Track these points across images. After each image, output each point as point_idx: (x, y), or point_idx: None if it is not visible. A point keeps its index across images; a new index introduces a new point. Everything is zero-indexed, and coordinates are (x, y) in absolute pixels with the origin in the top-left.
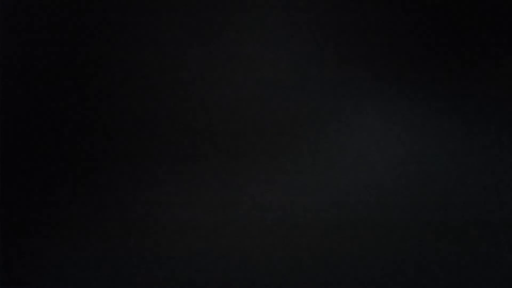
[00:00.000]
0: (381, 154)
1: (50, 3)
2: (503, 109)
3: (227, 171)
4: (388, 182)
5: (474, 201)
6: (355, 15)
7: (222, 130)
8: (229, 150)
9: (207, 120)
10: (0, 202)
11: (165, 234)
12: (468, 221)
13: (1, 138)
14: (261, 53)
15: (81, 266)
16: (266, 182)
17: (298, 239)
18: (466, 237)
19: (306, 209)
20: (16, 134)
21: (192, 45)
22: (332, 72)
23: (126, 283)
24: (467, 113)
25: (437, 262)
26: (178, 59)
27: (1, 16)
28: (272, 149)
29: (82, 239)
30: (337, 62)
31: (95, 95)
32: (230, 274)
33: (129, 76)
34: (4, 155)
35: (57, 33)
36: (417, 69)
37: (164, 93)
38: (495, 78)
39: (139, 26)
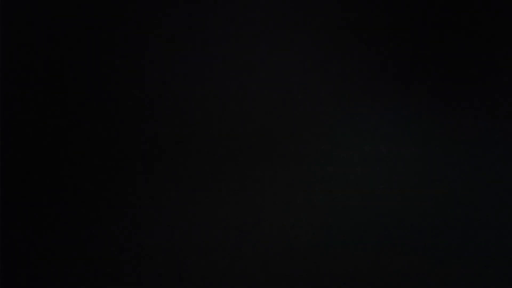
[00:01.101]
0: (383, 156)
1: (51, 2)
2: (505, 110)
3: (227, 173)
4: (391, 185)
5: (478, 204)
6: (358, 16)
7: (221, 132)
8: (227, 152)
9: (206, 121)
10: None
11: (165, 234)
12: (471, 223)
13: (1, 138)
14: (261, 54)
15: (81, 267)
16: (265, 184)
17: (298, 241)
18: (470, 239)
19: (306, 210)
20: (16, 134)
21: (191, 45)
22: (333, 73)
23: (126, 284)
24: (472, 116)
25: (439, 264)
26: (179, 59)
27: (1, 16)
28: (271, 150)
29: (82, 240)
30: (338, 63)
31: (95, 95)
32: (229, 275)
33: (130, 76)
34: (4, 155)
35: (58, 32)
36: (421, 71)
37: (165, 94)
38: (498, 78)
39: (141, 26)
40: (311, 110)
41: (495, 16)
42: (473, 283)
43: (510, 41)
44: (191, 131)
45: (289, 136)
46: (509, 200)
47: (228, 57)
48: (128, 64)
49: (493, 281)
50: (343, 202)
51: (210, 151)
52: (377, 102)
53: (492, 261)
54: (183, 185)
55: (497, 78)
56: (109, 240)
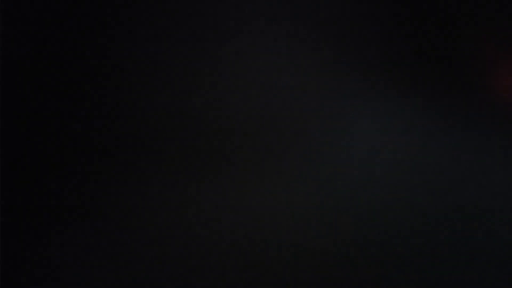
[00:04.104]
0: (380, 157)
1: (51, 2)
2: (502, 111)
3: (224, 172)
4: (388, 185)
5: (474, 203)
6: (356, 17)
7: (217, 131)
8: (224, 152)
9: (204, 120)
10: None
11: (164, 234)
12: (468, 223)
13: (1, 138)
14: (258, 53)
15: (80, 267)
16: (262, 184)
17: (295, 240)
18: (467, 239)
19: (303, 210)
20: (16, 134)
21: (189, 44)
22: (330, 73)
23: (125, 284)
24: (468, 117)
25: (437, 264)
26: (178, 59)
27: (1, 16)
28: (268, 150)
29: (81, 240)
30: (336, 63)
31: (95, 95)
32: (226, 275)
33: (130, 76)
34: (4, 155)
35: (58, 32)
36: (418, 71)
37: (165, 94)
38: (494, 80)
39: (141, 26)
40: (310, 110)
41: (497, 17)
42: (472, 283)
43: (510, 42)
44: (190, 129)
45: (287, 135)
46: (509, 200)
47: (227, 55)
48: (128, 63)
49: (493, 282)
50: (342, 202)
51: (209, 150)
52: (377, 101)
53: (491, 262)
54: (180, 184)
55: (496, 77)
56: (108, 240)
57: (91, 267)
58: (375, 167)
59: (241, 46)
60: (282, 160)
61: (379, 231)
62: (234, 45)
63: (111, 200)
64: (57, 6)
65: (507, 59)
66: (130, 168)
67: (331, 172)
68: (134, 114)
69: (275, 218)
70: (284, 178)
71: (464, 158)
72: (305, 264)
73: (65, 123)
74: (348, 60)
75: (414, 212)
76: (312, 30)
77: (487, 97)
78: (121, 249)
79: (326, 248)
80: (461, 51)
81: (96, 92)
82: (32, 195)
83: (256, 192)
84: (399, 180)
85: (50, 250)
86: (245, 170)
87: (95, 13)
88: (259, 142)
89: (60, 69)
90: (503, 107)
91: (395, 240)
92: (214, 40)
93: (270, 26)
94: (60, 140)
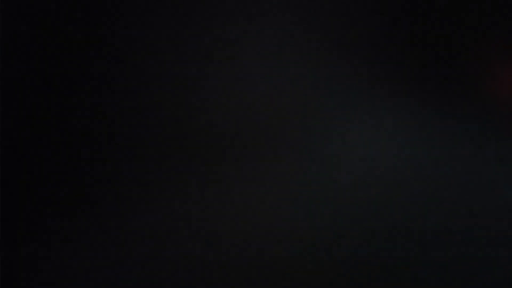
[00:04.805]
0: (380, 157)
1: (51, 2)
2: (502, 112)
3: (221, 172)
4: (386, 185)
5: (472, 205)
6: (355, 17)
7: (215, 131)
8: (222, 151)
9: (202, 121)
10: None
11: (164, 236)
12: (466, 225)
13: (1, 138)
14: (257, 53)
15: (80, 269)
16: (259, 183)
17: (292, 240)
18: (465, 242)
19: (300, 210)
20: (16, 134)
21: (189, 44)
22: (329, 73)
23: (126, 284)
24: (467, 117)
25: (434, 266)
26: (178, 58)
27: (1, 16)
28: (265, 150)
29: (81, 242)
30: (334, 63)
31: (94, 96)
32: (224, 276)
33: (129, 76)
34: (4, 155)
35: (58, 32)
36: (417, 72)
37: (164, 94)
38: (495, 80)
39: (140, 26)
40: (310, 110)
41: (497, 18)
42: (472, 283)
43: (510, 42)
44: (190, 129)
45: (287, 136)
46: (508, 200)
47: (229, 56)
48: (127, 63)
49: (493, 282)
50: (342, 201)
51: (209, 149)
52: (376, 102)
53: (491, 262)
54: (181, 183)
55: (496, 78)
56: (108, 239)
57: (91, 267)
58: (374, 167)
59: (241, 47)
60: (281, 160)
61: (378, 231)
62: (235, 45)
63: (112, 200)
64: (57, 6)
65: (507, 59)
66: (130, 168)
67: (331, 172)
68: (135, 114)
69: (275, 218)
70: (283, 178)
71: (464, 158)
72: (305, 263)
73: (65, 123)
74: (348, 60)
75: (413, 211)
76: (311, 31)
77: (488, 98)
78: (122, 249)
79: (326, 247)
80: (462, 51)
81: (96, 92)
82: (32, 195)
83: (256, 192)
84: (399, 180)
85: (50, 250)
86: (245, 170)
87: (94, 13)
88: (259, 142)
89: (60, 68)
90: (504, 107)
91: (394, 239)
92: (215, 40)
93: (270, 27)
94: (60, 140)
